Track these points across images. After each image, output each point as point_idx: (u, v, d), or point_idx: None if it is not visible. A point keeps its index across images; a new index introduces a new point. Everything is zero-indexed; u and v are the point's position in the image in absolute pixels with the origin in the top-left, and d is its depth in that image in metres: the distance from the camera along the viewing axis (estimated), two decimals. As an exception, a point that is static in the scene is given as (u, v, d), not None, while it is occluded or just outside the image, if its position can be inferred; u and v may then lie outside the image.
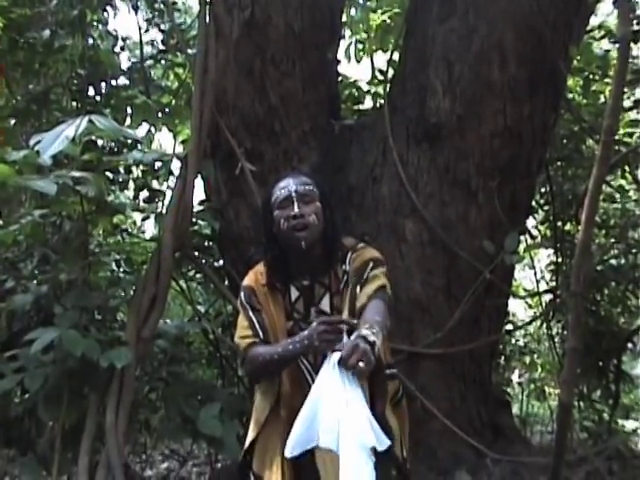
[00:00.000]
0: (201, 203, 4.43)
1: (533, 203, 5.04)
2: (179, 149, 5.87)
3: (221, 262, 4.66)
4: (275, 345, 2.48)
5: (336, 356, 2.13)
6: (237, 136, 4.14)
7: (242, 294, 2.62)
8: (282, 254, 2.56)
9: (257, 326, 2.57)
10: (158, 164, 4.38)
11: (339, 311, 2.53)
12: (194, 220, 4.14)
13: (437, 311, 4.01)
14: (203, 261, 4.59)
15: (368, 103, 5.62)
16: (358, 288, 2.52)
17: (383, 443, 2.04)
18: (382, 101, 4.65)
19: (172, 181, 4.52)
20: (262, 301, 2.58)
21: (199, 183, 4.42)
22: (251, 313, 2.59)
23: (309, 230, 2.46)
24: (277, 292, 2.59)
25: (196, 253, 4.47)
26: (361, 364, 2.07)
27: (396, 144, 4.13)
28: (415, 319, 3.98)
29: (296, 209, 2.45)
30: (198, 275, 5.17)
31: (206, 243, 4.69)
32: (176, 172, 4.08)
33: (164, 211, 4.00)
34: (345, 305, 2.51)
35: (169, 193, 4.06)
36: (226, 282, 4.55)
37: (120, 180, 4.49)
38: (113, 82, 5.40)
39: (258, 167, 4.09)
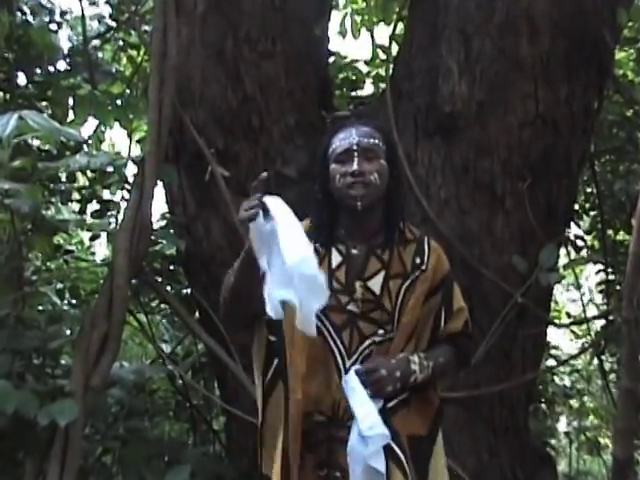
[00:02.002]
0: (163, 217, 4.47)
1: (575, 207, 5.08)
2: (135, 151, 5.90)
3: (189, 290, 4.69)
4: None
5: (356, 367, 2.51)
6: (206, 134, 4.18)
7: None
8: (332, 213, 2.64)
9: None
10: (109, 169, 4.42)
11: (391, 297, 2.60)
12: (154, 238, 4.17)
13: (458, 345, 4.04)
14: (167, 289, 4.62)
15: (368, 88, 5.67)
16: (443, 313, 2.68)
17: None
18: (384, 86, 4.68)
19: (127, 191, 4.56)
20: None
21: (160, 192, 4.46)
22: None
23: (368, 189, 2.53)
24: (320, 256, 2.63)
25: (158, 279, 4.50)
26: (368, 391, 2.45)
27: (402, 138, 4.16)
28: (431, 355, 4.01)
29: (355, 165, 2.53)
30: (161, 306, 5.20)
31: (170, 267, 4.73)
32: (132, 179, 4.11)
33: (117, 228, 4.02)
34: (411, 308, 2.59)
35: (123, 205, 4.10)
36: (196, 314, 4.58)
37: (62, 190, 4.52)
38: (50, 68, 5.43)
39: (232, 171, 4.13)
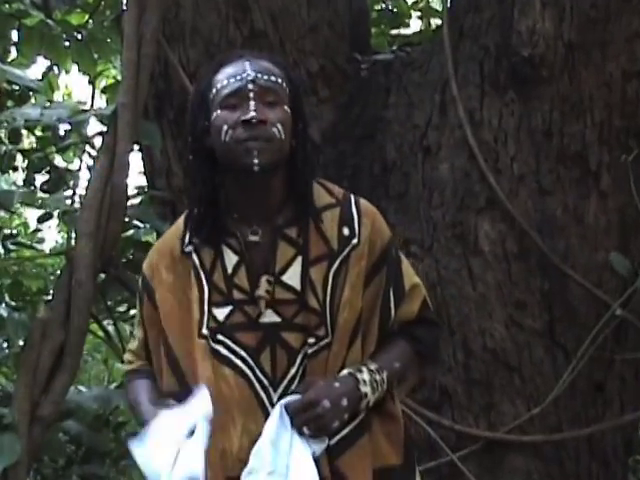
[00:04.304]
0: (140, 192, 4.46)
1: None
2: (101, 102, 5.90)
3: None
4: (148, 396, 2.59)
5: (287, 400, 2.41)
6: (199, 80, 4.18)
7: (140, 283, 2.70)
8: (216, 187, 2.53)
9: (142, 338, 2.68)
10: (66, 127, 4.41)
11: (315, 291, 2.50)
12: (128, 220, 4.17)
13: (533, 371, 4.04)
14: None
15: (415, 25, 5.67)
16: (392, 296, 2.60)
17: None
18: (439, 22, 4.67)
19: (89, 156, 4.56)
20: (167, 285, 2.57)
21: (136, 159, 4.45)
22: (141, 313, 2.68)
23: (269, 145, 2.41)
24: (198, 260, 2.56)
25: (133, 275, 4.49)
26: (305, 430, 2.37)
27: (463, 93, 4.16)
28: (496, 384, 4.02)
29: (252, 111, 2.40)
30: (134, 311, 5.19)
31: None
32: (97, 141, 4.11)
33: (78, 205, 4.02)
34: (348, 301, 2.51)
35: (86, 176, 4.10)
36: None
37: (2, 154, 4.52)
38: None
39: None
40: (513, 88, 4.11)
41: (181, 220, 2.61)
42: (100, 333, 4.78)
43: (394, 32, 5.53)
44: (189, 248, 2.54)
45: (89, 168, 4.19)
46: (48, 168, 4.66)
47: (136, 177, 4.81)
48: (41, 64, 5.59)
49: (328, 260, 2.51)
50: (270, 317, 2.49)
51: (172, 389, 2.50)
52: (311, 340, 2.48)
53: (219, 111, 2.44)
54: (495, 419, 4.00)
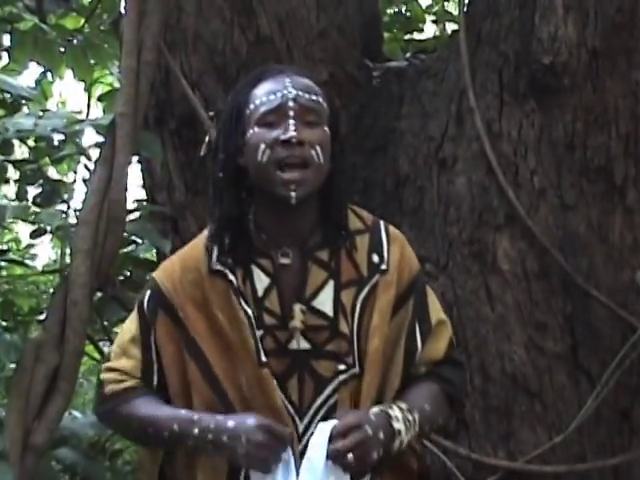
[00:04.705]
0: (139, 207, 4.45)
1: None
2: (95, 112, 5.89)
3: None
4: (172, 408, 2.54)
5: (327, 428, 2.38)
6: (202, 89, 4.21)
7: (146, 297, 2.65)
8: (246, 206, 2.55)
9: (140, 358, 2.61)
10: (60, 137, 4.41)
11: (346, 316, 2.52)
12: (126, 236, 4.18)
13: (555, 397, 4.02)
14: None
15: (430, 30, 5.66)
16: (418, 330, 2.61)
17: None
18: (456, 27, 4.66)
19: (85, 168, 4.55)
20: (195, 302, 2.56)
21: (135, 171, 4.45)
22: (145, 330, 2.62)
23: (307, 172, 2.42)
24: (228, 283, 2.54)
25: (131, 294, 4.48)
26: (350, 457, 2.31)
27: (481, 102, 4.15)
28: (516, 411, 4.00)
29: (292, 130, 2.41)
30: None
31: (147, 276, 4.71)
32: (94, 153, 4.11)
33: (72, 220, 4.01)
34: (377, 328, 2.53)
35: (82, 189, 4.09)
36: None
37: (-8, 166, 4.52)
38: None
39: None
40: (534, 97, 4.11)
41: (203, 236, 2.61)
42: (96, 355, 4.77)
43: (407, 37, 5.54)
44: (218, 267, 2.53)
45: (84, 181, 4.17)
46: (41, 180, 4.64)
47: (135, 191, 4.79)
48: (34, 70, 5.59)
49: (357, 286, 2.54)
50: (300, 343, 2.50)
51: (214, 408, 2.48)
52: (342, 367, 2.49)
53: (256, 129, 2.45)
54: (515, 448, 3.98)
